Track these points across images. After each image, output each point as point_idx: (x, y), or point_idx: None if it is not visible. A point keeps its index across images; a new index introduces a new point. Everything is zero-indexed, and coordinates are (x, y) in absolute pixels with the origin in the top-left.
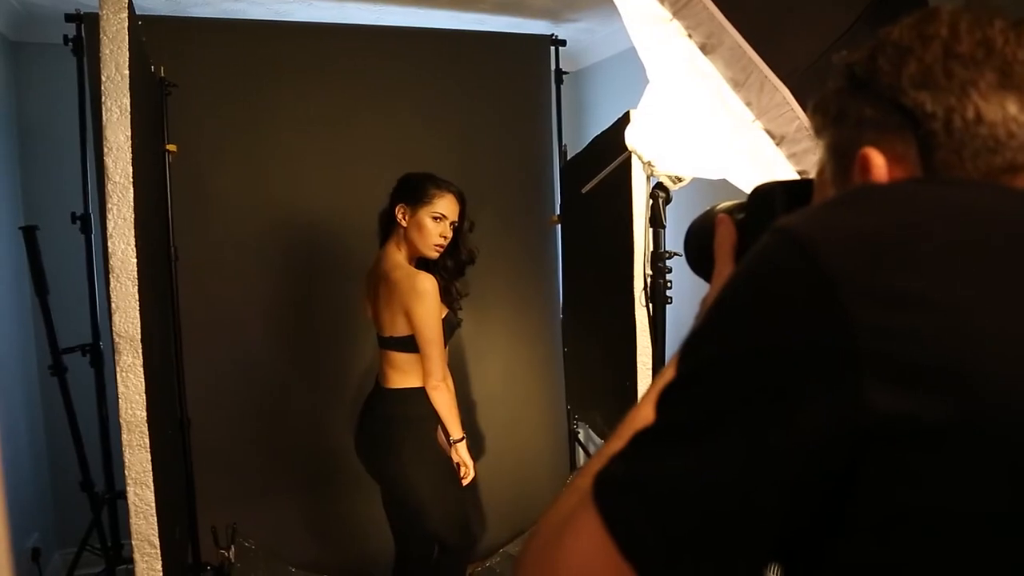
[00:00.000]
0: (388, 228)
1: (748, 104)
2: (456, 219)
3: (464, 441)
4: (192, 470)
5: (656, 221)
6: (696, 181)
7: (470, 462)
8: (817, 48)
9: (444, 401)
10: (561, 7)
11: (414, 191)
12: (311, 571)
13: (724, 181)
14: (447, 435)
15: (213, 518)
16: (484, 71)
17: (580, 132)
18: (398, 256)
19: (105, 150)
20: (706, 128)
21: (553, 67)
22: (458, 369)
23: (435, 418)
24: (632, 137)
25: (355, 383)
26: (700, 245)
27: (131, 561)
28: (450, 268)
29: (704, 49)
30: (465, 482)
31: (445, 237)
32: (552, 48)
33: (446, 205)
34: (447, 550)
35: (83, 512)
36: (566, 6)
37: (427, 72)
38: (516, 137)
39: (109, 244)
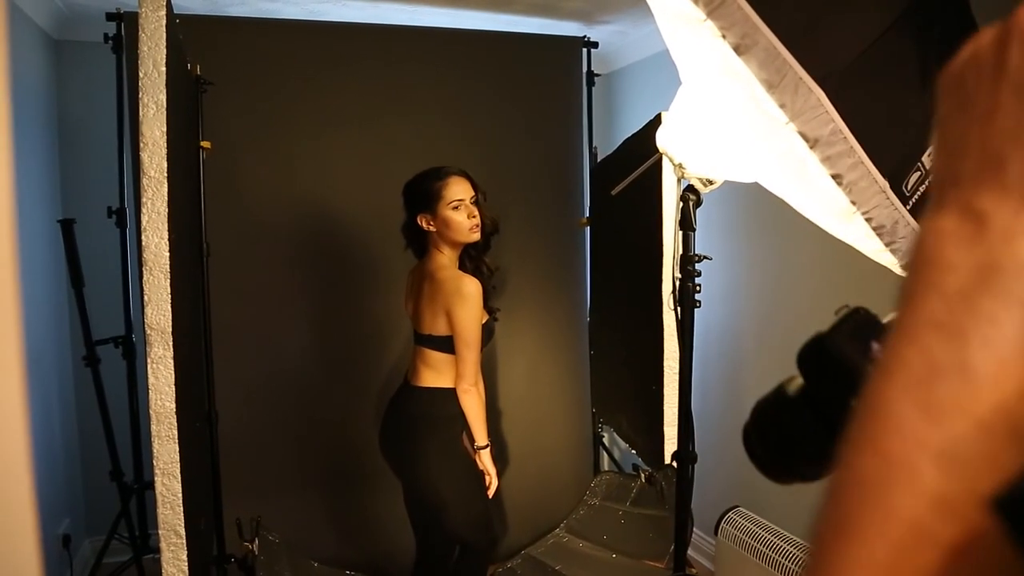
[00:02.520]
0: (421, 238)
1: (782, 106)
2: (472, 194)
3: (489, 449)
4: (219, 463)
5: (686, 224)
6: (727, 184)
7: (494, 471)
8: (853, 51)
9: (473, 405)
10: (594, 9)
11: (423, 196)
12: (333, 566)
13: (756, 184)
14: (472, 440)
15: (238, 511)
16: (516, 72)
17: (611, 135)
18: (442, 257)
19: (141, 145)
20: (739, 130)
21: (585, 69)
22: (485, 369)
23: (462, 420)
24: (663, 139)
25: (382, 380)
26: (774, 429)
27: (158, 551)
28: (478, 243)
29: (738, 50)
30: (490, 492)
31: (474, 216)
32: (584, 50)
33: (456, 190)
34: (468, 550)
35: (112, 501)
36: (599, 8)
37: (459, 73)
38: (546, 139)
39: (143, 238)
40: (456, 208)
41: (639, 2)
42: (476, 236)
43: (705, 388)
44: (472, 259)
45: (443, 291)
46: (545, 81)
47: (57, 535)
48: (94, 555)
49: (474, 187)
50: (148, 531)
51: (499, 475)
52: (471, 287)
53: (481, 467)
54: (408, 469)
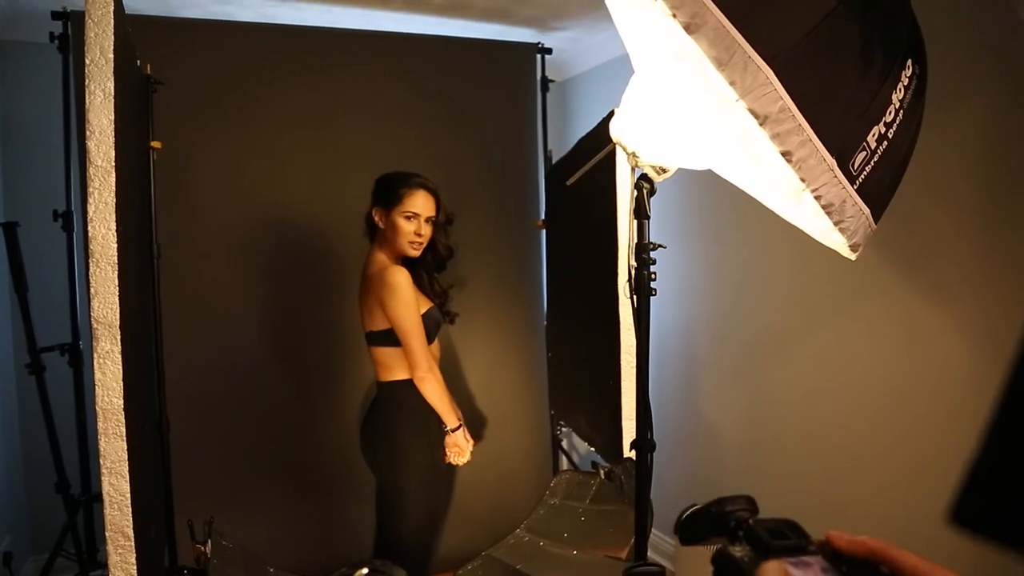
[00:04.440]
0: (374, 231)
1: (732, 83)
2: (432, 214)
3: (461, 429)
4: (170, 471)
5: (641, 212)
6: (680, 188)
7: (467, 446)
8: (800, 31)
9: (432, 391)
10: (547, 16)
11: (385, 193)
12: (288, 571)
13: (709, 172)
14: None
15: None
16: (471, 77)
17: (565, 140)
18: (381, 256)
19: (88, 133)
20: (691, 114)
21: (539, 75)
22: (442, 371)
23: (423, 411)
24: (616, 128)
25: (337, 384)
26: None
27: (105, 566)
28: (429, 263)
29: (688, 29)
30: (460, 460)
31: (420, 234)
32: (538, 56)
33: (417, 202)
34: (404, 549)
35: (58, 516)
36: (552, 15)
37: (414, 77)
38: (502, 143)
39: (89, 228)
40: (408, 219)
41: (592, 9)
42: (413, 253)
43: (662, 390)
44: (427, 276)
45: (373, 285)
46: (500, 86)
47: None
48: (37, 573)
49: (438, 208)
50: (96, 546)
51: (457, 480)
52: (397, 276)
53: (452, 456)
54: (376, 460)
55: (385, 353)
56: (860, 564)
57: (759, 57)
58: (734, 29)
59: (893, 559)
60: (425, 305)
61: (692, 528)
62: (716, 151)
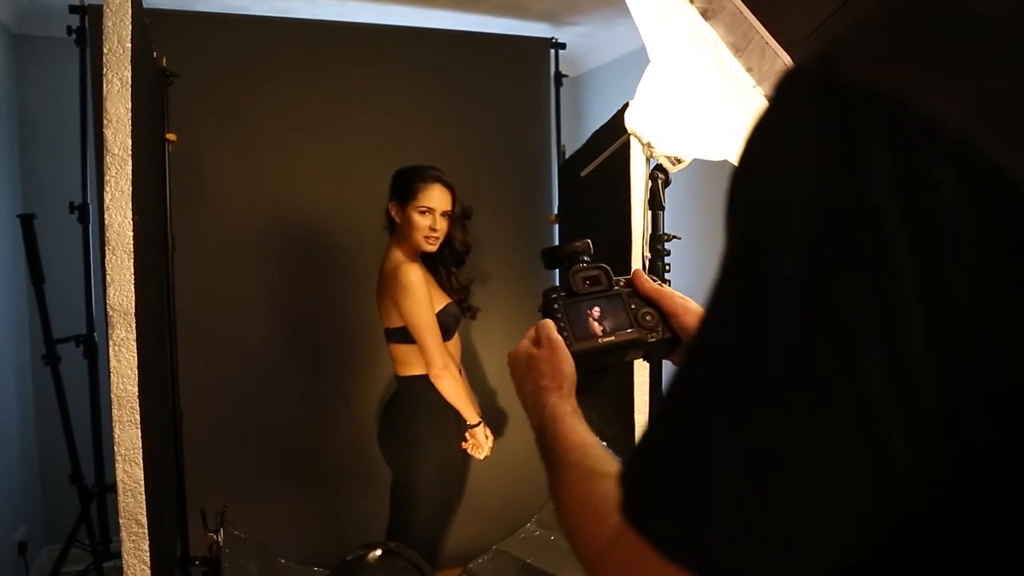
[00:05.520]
0: (392, 224)
1: (749, 70)
2: (448, 208)
3: (481, 425)
4: (183, 462)
5: (655, 203)
6: (696, 163)
7: (485, 441)
8: (816, 18)
9: (449, 389)
10: (561, 10)
11: (401, 188)
12: (300, 563)
13: (724, 162)
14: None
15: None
16: (484, 72)
17: (578, 136)
18: (397, 252)
19: (105, 122)
20: (706, 103)
21: (552, 70)
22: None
23: (439, 407)
24: (631, 119)
25: (347, 379)
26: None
27: (119, 556)
28: (446, 258)
29: (705, 15)
30: (479, 455)
31: (435, 229)
32: (552, 51)
33: (432, 197)
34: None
35: (72, 507)
36: (566, 9)
37: (427, 71)
38: (515, 138)
39: (105, 216)
40: (423, 213)
41: (606, 4)
42: (429, 248)
43: None
44: (446, 272)
45: (387, 283)
46: (513, 81)
47: (12, 542)
48: (52, 563)
49: (453, 203)
50: (110, 536)
51: (469, 474)
52: (409, 275)
53: (472, 447)
54: (391, 452)
55: (402, 350)
56: (648, 304)
57: (776, 43)
58: (751, 15)
59: (672, 306)
60: (441, 302)
61: (547, 259)
62: (732, 140)
